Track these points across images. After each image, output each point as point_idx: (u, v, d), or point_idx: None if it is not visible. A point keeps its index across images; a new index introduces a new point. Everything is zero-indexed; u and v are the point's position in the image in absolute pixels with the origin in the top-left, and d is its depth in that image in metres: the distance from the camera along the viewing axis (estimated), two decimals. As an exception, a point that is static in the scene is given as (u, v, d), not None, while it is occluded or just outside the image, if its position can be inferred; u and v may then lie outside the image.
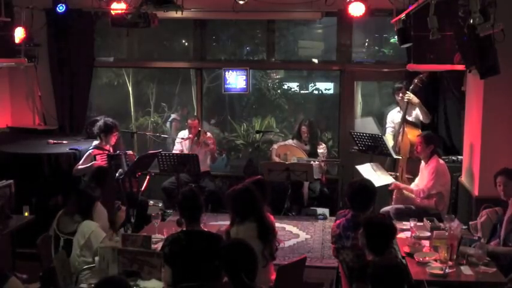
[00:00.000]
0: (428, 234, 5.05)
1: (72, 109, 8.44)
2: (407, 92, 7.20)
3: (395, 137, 7.41)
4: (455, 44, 5.95)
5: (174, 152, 7.85)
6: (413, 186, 6.51)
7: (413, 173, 6.77)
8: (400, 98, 7.40)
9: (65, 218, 4.92)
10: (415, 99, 7.15)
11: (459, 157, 6.89)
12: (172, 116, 10.15)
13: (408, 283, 3.78)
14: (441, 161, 6.39)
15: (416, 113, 7.25)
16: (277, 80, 10.25)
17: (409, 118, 7.29)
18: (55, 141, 7.60)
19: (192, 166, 7.35)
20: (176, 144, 8.10)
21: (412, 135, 7.04)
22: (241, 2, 6.90)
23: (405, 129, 7.21)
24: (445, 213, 6.05)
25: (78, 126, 8.44)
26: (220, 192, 7.88)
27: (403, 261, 4.48)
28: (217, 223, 5.92)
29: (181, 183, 7.35)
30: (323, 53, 10.07)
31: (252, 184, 4.76)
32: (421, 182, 6.41)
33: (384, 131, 7.73)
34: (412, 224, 5.21)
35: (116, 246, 4.42)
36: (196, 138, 7.83)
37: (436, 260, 4.48)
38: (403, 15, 6.29)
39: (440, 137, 7.49)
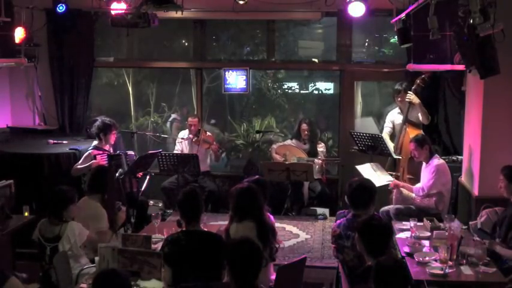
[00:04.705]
0: (428, 234, 5.05)
1: (72, 109, 8.44)
2: (409, 92, 7.19)
3: (395, 137, 7.39)
4: (455, 44, 5.94)
5: (175, 152, 7.86)
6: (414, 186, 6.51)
7: (415, 173, 6.75)
8: (399, 100, 7.39)
9: (46, 224, 4.85)
10: (416, 100, 7.14)
11: (459, 157, 6.88)
12: (173, 116, 10.15)
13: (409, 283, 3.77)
14: (442, 161, 6.38)
15: (417, 114, 7.24)
16: (277, 80, 10.24)
17: (411, 118, 7.28)
18: (55, 141, 7.60)
19: (192, 166, 7.35)
20: (177, 144, 8.11)
21: (414, 135, 7.02)
22: (241, 2, 6.91)
23: (407, 129, 7.20)
24: (445, 213, 6.04)
25: (78, 126, 8.45)
26: (220, 192, 7.89)
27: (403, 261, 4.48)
28: (217, 223, 5.92)
29: (181, 183, 7.35)
30: (323, 53, 10.06)
31: (253, 184, 4.77)
32: (422, 182, 6.40)
33: (380, 131, 7.72)
34: (412, 224, 5.21)
35: (116, 245, 4.43)
36: (196, 137, 7.83)
37: (436, 260, 4.48)
38: (403, 15, 6.29)
39: (440, 136, 7.49)
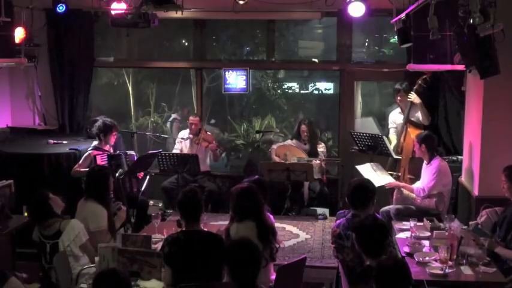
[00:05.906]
0: (428, 234, 5.06)
1: (72, 109, 8.44)
2: (411, 92, 7.19)
3: (397, 137, 7.41)
4: (455, 44, 5.95)
5: (174, 151, 7.86)
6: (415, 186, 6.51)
7: (416, 173, 6.75)
8: (399, 100, 7.39)
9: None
10: (417, 100, 7.14)
11: (459, 157, 6.88)
12: (173, 116, 10.15)
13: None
14: (444, 162, 6.38)
15: (418, 114, 7.24)
16: (277, 80, 10.25)
17: (412, 118, 7.28)
18: (55, 141, 7.60)
19: (192, 166, 7.35)
20: (176, 143, 8.10)
21: (415, 135, 7.02)
22: (241, 2, 6.91)
23: (408, 129, 7.20)
24: (445, 213, 6.05)
25: (78, 126, 8.45)
26: (220, 192, 7.89)
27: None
28: (217, 223, 5.92)
29: (181, 183, 7.35)
30: (323, 53, 10.07)
31: (253, 184, 4.77)
32: (422, 182, 6.40)
33: (387, 132, 7.73)
34: (412, 224, 5.21)
35: (116, 245, 4.43)
36: (196, 137, 7.82)
37: (436, 260, 4.48)
38: (403, 15, 6.29)
39: (440, 136, 7.49)
